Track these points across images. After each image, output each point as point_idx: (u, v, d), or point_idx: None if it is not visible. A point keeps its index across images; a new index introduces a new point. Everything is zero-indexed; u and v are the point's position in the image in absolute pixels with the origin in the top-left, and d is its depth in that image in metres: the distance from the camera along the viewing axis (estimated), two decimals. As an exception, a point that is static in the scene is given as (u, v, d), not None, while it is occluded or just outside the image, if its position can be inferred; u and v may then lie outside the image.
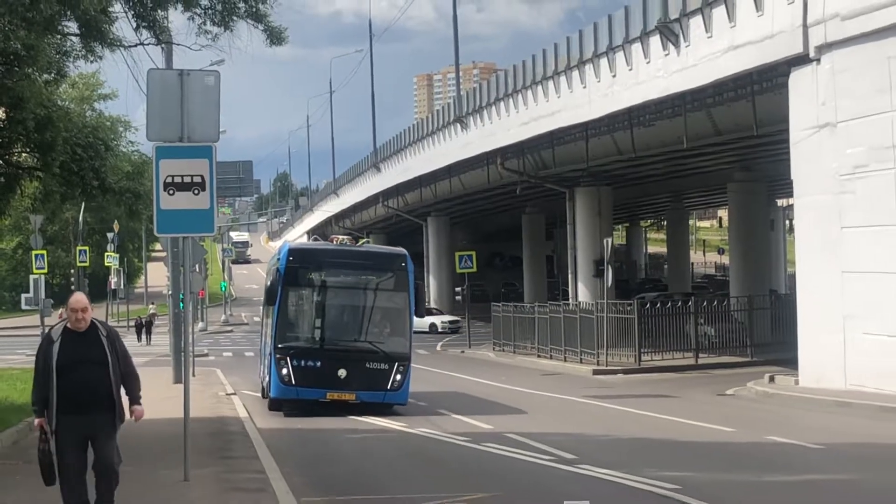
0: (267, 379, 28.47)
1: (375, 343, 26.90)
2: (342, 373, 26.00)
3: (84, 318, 11.15)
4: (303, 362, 26.23)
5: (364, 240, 30.02)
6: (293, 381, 26.14)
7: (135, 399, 11.47)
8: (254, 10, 19.33)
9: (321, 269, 27.26)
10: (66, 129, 19.40)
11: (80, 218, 71.54)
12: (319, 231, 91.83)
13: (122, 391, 11.39)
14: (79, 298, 11.34)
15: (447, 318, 63.39)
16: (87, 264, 69.38)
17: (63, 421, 10.98)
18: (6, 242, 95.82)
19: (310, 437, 23.22)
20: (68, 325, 11.18)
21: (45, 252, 42.62)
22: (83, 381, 10.98)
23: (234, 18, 19.33)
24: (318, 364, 26.28)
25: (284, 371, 26.17)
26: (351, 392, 26.26)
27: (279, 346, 26.47)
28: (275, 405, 27.34)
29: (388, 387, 26.23)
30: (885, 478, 17.04)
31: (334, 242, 29.95)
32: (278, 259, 27.96)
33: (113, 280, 77.47)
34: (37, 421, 11.26)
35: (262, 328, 34.94)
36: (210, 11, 19.25)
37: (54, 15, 16.45)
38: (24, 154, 20.41)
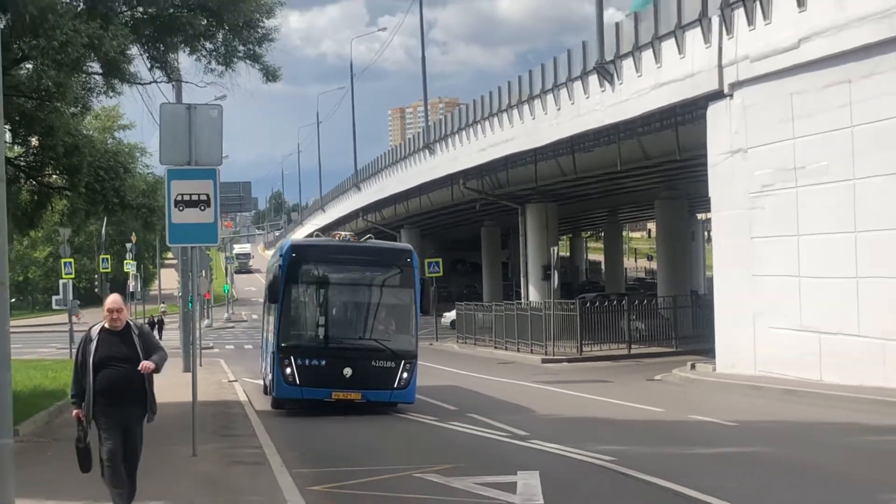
0: (270, 377, 24.52)
1: (381, 341, 22.95)
2: (348, 372, 22.22)
3: (120, 318, 10.68)
4: (307, 361, 22.40)
5: (367, 236, 28.24)
6: (297, 381, 22.32)
7: (156, 360, 10.73)
8: (251, 52, 19.28)
9: (325, 266, 23.37)
10: (91, 155, 19.31)
11: (103, 230, 70.96)
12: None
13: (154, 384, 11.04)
14: (115, 299, 10.82)
15: None
16: (108, 270, 68.90)
17: (100, 412, 10.55)
18: (39, 252, 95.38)
19: (300, 416, 23.05)
20: (106, 324, 10.67)
21: (72, 260, 42.55)
22: (117, 377, 10.50)
23: (235, 59, 19.27)
24: (323, 363, 22.43)
25: (288, 370, 22.33)
26: (357, 391, 22.42)
27: (282, 344, 22.57)
28: (278, 404, 23.68)
29: (395, 385, 22.45)
30: (788, 450, 17.21)
31: (337, 239, 25.51)
32: (280, 255, 24.06)
33: (131, 284, 76.90)
34: (74, 412, 10.80)
35: (263, 325, 30.77)
36: (214, 53, 19.20)
37: (80, 57, 16.36)
38: (54, 176, 20.31)
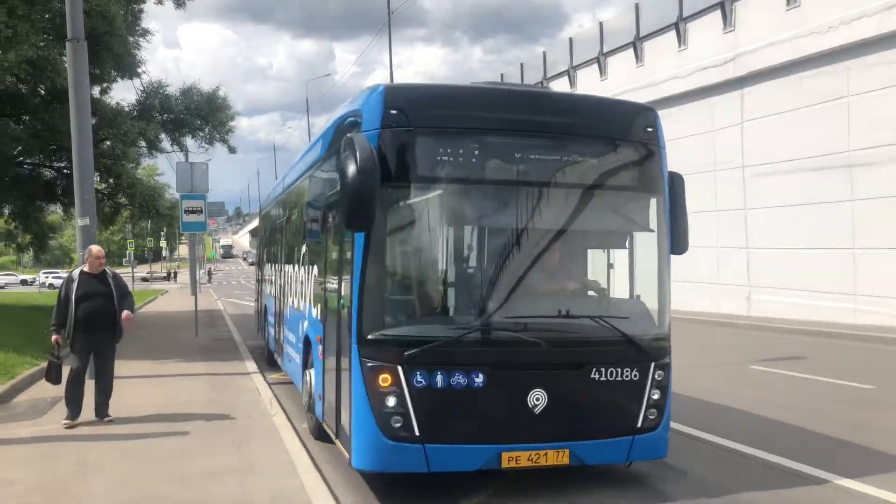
0: (321, 396, 3.89)
1: (609, 319, 2.76)
2: (538, 399, 2.59)
3: (101, 263, 7.26)
4: (440, 380, 2.44)
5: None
6: (417, 430, 2.51)
7: (128, 307, 7.29)
8: (223, 138, 19.18)
9: (475, 140, 2.39)
10: (141, 188, 18.95)
11: (148, 226, 67.91)
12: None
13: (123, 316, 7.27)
14: (99, 248, 7.37)
15: None
16: (153, 246, 67.09)
17: (77, 336, 7.07)
18: (115, 236, 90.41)
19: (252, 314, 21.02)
20: (85, 269, 7.26)
21: (133, 240, 42.23)
22: (95, 308, 7.06)
23: (214, 142, 19.13)
24: (480, 381, 2.48)
25: (393, 402, 2.53)
26: (561, 446, 2.71)
27: (370, 337, 2.59)
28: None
29: (639, 424, 2.93)
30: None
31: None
32: (351, 120, 2.84)
33: (164, 252, 73.69)
34: (53, 337, 7.17)
35: (265, 276, 11.92)
36: (204, 137, 18.98)
37: (135, 139, 16.22)
38: (122, 198, 19.73)
